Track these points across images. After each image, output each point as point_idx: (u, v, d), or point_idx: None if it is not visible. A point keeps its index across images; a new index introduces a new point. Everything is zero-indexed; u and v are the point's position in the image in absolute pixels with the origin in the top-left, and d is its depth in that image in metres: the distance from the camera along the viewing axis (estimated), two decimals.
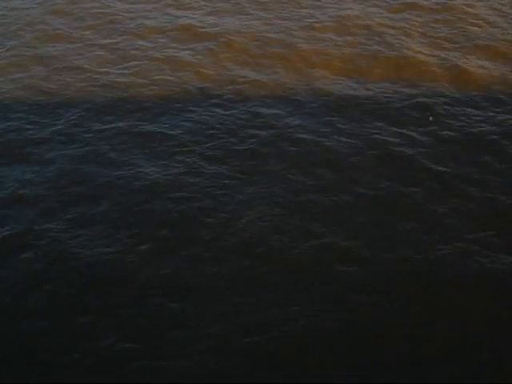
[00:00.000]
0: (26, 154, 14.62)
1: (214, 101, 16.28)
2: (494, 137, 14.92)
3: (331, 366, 10.25)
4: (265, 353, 10.45)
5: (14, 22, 19.68)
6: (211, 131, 15.25)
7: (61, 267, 11.87)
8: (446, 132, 15.11)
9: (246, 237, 12.49)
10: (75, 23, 19.67)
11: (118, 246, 12.32)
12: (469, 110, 15.88)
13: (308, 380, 10.09)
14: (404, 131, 15.12)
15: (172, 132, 15.20)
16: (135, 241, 12.43)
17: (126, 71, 17.37)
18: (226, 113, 15.85)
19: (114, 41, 18.72)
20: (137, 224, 12.80)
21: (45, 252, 12.20)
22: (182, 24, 19.53)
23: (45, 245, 12.34)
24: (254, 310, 11.14)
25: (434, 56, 17.86)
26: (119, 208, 13.15)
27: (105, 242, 12.42)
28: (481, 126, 15.32)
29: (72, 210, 13.15)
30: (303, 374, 10.15)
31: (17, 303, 11.23)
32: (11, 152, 14.66)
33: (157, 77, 17.14)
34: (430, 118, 15.20)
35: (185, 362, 10.35)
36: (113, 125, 15.50)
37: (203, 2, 20.82)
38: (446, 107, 15.96)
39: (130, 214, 13.03)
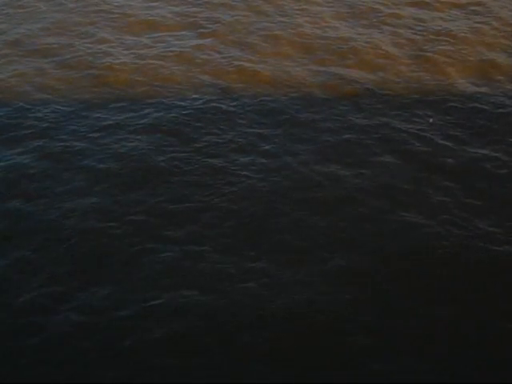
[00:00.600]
0: (25, 148, 14.61)
1: (220, 96, 16.23)
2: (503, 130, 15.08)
3: (332, 365, 10.30)
4: (265, 352, 10.48)
5: (15, 18, 19.65)
6: (216, 127, 15.20)
7: (53, 266, 11.82)
8: (451, 127, 15.22)
9: (247, 235, 12.50)
10: (77, 18, 19.64)
11: (114, 242, 12.26)
12: (475, 104, 15.98)
13: (309, 380, 10.13)
14: (412, 126, 15.21)
15: (174, 128, 15.12)
16: (135, 239, 12.38)
17: (126, 68, 17.36)
18: (232, 109, 15.85)
19: (114, 36, 18.70)
20: (136, 222, 12.75)
21: (39, 248, 12.14)
22: (186, 20, 19.52)
23: (41, 239, 12.31)
24: (254, 308, 11.11)
25: (441, 54, 17.95)
26: (116, 206, 13.13)
27: (103, 239, 12.36)
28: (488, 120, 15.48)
29: (67, 205, 13.09)
30: (304, 374, 10.19)
31: (9, 303, 11.22)
32: (11, 147, 14.65)
33: (160, 74, 17.10)
34: (430, 120, 15.26)
35: (184, 361, 10.37)
36: (112, 120, 15.44)
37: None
38: (453, 103, 16.06)
39: (127, 212, 12.97)
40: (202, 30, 18.93)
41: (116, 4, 20.38)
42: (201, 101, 16.09)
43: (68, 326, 10.80)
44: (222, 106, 15.92)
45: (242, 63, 17.43)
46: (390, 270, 11.73)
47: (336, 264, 11.86)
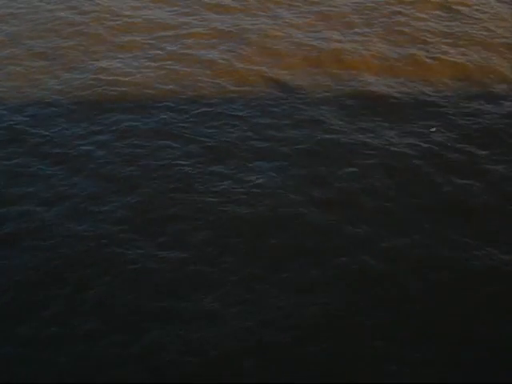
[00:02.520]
0: (30, 149, 14.56)
1: (235, 99, 16.13)
2: None
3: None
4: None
5: (17, 19, 19.52)
6: (231, 129, 15.09)
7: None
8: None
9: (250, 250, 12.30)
10: (76, 18, 19.47)
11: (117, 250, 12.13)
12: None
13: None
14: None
15: (175, 132, 15.02)
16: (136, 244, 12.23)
17: (128, 70, 17.20)
18: (255, 113, 15.70)
19: (114, 38, 18.60)
20: (140, 233, 12.53)
21: (46, 249, 12.13)
22: (188, 22, 19.36)
23: (49, 235, 12.32)
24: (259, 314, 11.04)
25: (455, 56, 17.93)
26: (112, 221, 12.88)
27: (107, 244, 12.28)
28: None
29: (65, 209, 13.03)
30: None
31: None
32: (11, 148, 14.59)
33: (160, 76, 16.99)
34: (433, 129, 15.37)
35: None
36: (113, 124, 15.35)
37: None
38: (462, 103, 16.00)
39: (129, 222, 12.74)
40: (207, 34, 18.72)
41: (111, 7, 20.23)
42: (211, 105, 15.88)
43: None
44: (248, 111, 15.72)
45: (266, 67, 17.26)
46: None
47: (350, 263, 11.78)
